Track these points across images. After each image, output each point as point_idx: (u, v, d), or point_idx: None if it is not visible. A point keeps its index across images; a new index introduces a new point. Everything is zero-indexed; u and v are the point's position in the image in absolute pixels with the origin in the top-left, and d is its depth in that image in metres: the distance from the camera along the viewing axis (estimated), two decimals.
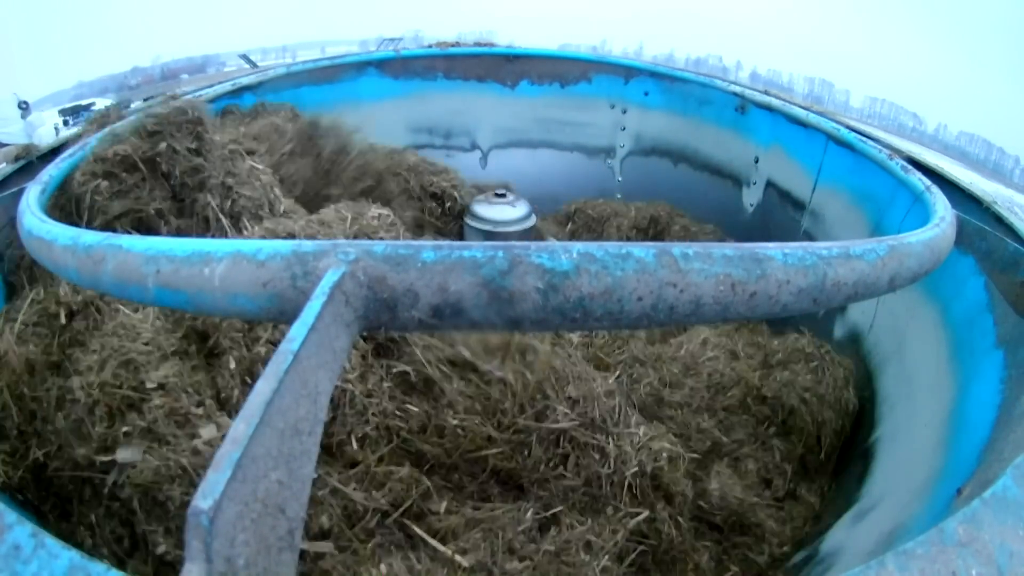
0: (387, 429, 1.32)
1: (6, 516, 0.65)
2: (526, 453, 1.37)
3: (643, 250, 0.61)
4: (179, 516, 1.06)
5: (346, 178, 2.47)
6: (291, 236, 1.56)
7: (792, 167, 2.73)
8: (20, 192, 1.38)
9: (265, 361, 1.06)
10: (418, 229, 2.62)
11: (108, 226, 1.57)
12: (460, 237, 2.81)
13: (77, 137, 1.95)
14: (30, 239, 0.92)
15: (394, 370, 1.38)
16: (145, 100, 2.74)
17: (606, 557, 1.29)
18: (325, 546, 1.14)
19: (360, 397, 1.31)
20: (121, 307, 1.33)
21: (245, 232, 1.67)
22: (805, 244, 0.69)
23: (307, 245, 0.60)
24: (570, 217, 3.37)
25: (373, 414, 1.31)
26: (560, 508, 1.36)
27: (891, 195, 2.00)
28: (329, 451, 1.27)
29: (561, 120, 3.69)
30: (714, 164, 3.27)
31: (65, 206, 1.58)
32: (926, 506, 1.19)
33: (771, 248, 0.66)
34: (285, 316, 0.59)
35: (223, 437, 0.47)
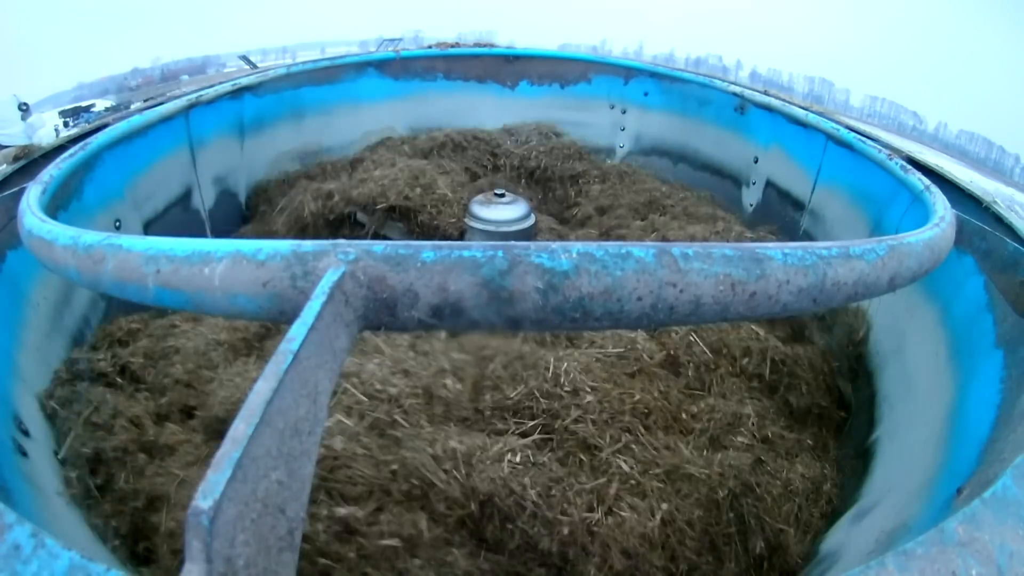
0: None
1: (6, 516, 0.65)
2: None
3: (643, 250, 0.61)
4: None
5: None
6: None
7: (791, 167, 2.73)
8: (20, 192, 1.38)
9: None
10: None
11: None
12: (460, 237, 2.81)
13: (78, 138, 1.96)
14: (30, 239, 0.92)
15: None
16: (145, 101, 2.75)
17: None
18: None
19: None
20: None
21: None
22: (805, 244, 0.69)
23: (307, 245, 0.60)
24: None
25: None
26: None
27: (891, 195, 1.99)
28: None
29: (561, 120, 3.69)
30: (714, 164, 3.27)
31: None
32: (926, 506, 1.19)
33: (771, 248, 0.66)
34: (285, 316, 0.59)
35: None
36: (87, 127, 2.17)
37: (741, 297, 0.64)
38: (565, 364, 1.56)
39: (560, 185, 3.31)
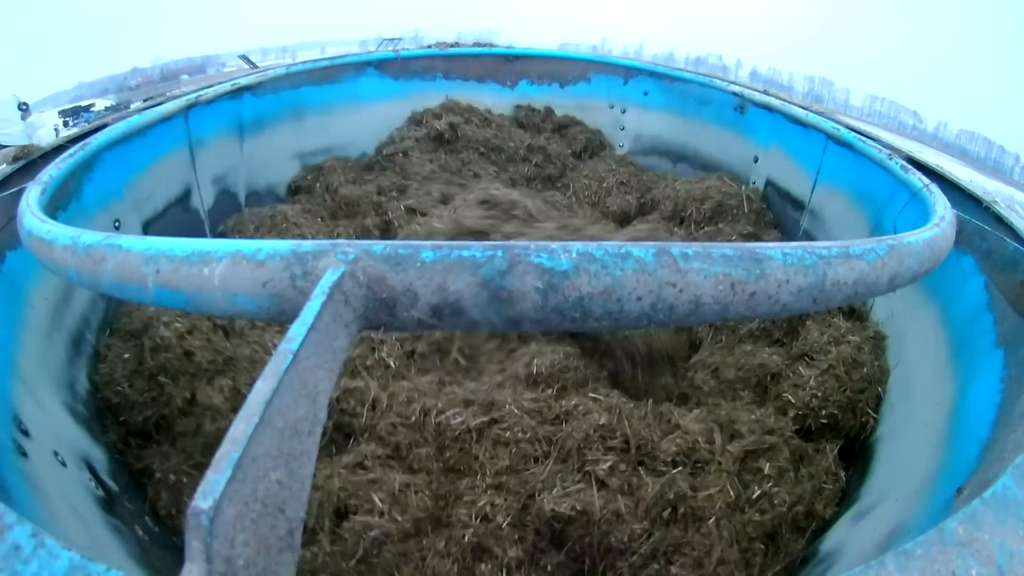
0: None
1: (6, 516, 0.65)
2: None
3: (642, 250, 0.61)
4: None
5: None
6: None
7: (791, 167, 2.73)
8: (20, 192, 1.38)
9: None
10: None
11: None
12: None
13: (77, 138, 1.96)
14: (30, 239, 0.92)
15: None
16: (145, 101, 2.75)
17: None
18: None
19: None
20: None
21: None
22: (805, 244, 0.69)
23: (306, 245, 0.60)
24: None
25: None
26: None
27: (891, 194, 1.99)
28: None
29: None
30: (713, 164, 3.27)
31: None
32: (926, 506, 1.19)
33: (771, 248, 0.66)
34: (285, 316, 0.59)
35: None
36: (87, 127, 2.17)
37: (741, 297, 0.64)
38: None
39: None
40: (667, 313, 0.62)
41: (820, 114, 2.63)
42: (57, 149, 1.85)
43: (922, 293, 1.71)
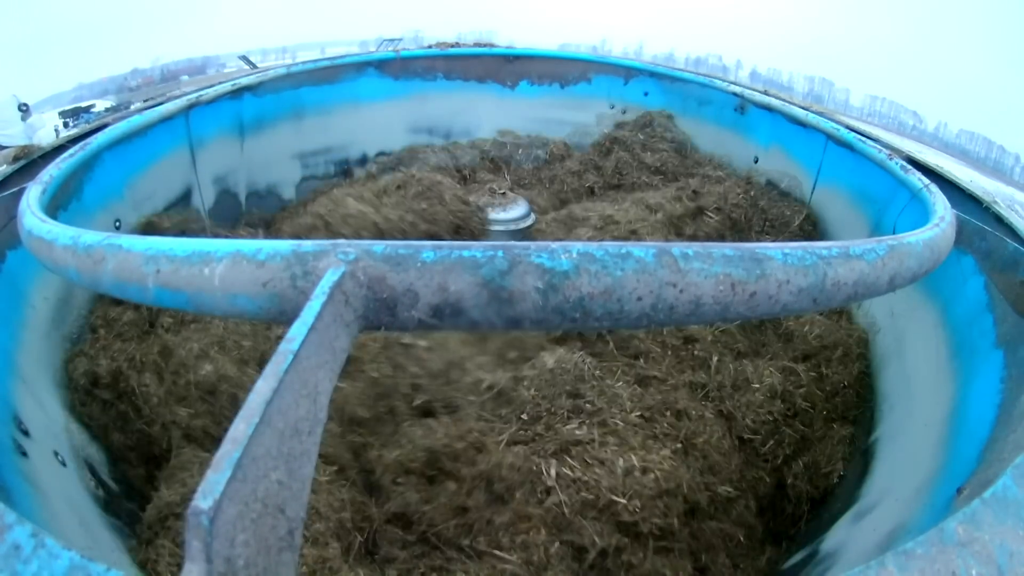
0: None
1: (6, 516, 0.65)
2: None
3: (643, 250, 0.61)
4: None
5: None
6: None
7: (792, 167, 2.73)
8: (20, 192, 1.38)
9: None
10: None
11: None
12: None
13: (78, 138, 1.96)
14: (30, 239, 0.92)
15: None
16: (145, 101, 2.75)
17: None
18: None
19: None
20: None
21: None
22: (805, 244, 0.69)
23: (307, 245, 0.60)
24: None
25: None
26: None
27: (891, 195, 1.99)
28: None
29: (561, 120, 3.69)
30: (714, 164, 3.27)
31: None
32: (926, 506, 1.19)
33: (771, 248, 0.66)
34: (285, 316, 0.59)
35: None
36: (87, 127, 2.17)
37: (741, 297, 0.64)
38: None
39: None
40: (667, 313, 0.62)
41: (820, 114, 2.63)
42: (57, 149, 1.85)
43: (922, 293, 1.71)
